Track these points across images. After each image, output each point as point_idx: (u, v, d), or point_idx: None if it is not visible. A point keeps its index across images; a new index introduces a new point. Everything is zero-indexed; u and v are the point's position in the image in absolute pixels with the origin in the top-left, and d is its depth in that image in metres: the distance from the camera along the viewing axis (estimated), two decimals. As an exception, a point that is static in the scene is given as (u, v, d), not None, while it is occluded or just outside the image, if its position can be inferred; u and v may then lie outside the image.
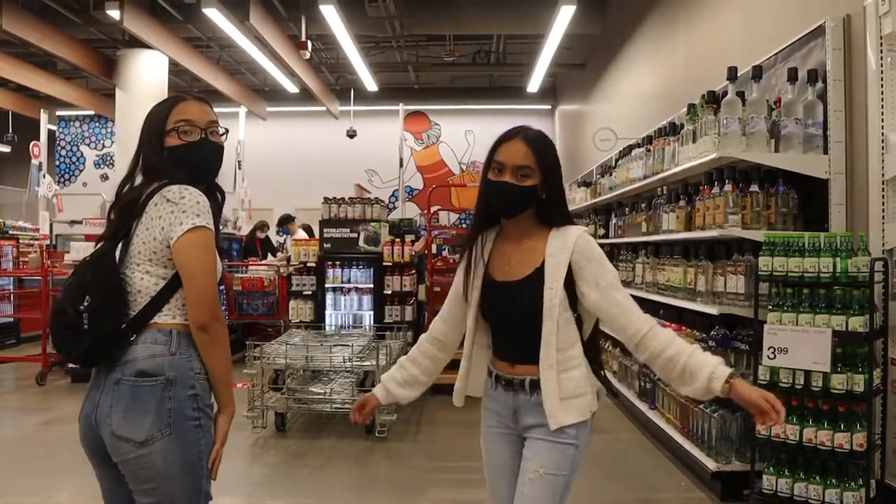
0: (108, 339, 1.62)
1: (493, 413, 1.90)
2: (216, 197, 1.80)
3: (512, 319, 1.81)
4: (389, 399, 1.97)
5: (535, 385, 1.77)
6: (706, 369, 1.62)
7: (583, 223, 6.56)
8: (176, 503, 1.62)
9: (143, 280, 1.67)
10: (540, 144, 1.78)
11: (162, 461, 1.59)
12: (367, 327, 5.94)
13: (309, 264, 6.29)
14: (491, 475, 1.93)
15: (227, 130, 1.87)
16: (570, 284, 1.76)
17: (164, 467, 1.59)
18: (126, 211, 1.71)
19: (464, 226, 13.43)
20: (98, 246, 1.73)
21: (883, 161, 3.04)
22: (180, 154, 1.73)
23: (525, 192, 1.76)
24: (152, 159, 1.74)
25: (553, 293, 1.73)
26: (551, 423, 1.74)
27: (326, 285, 6.15)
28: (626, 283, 4.97)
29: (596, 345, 1.92)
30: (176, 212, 1.63)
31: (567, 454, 1.76)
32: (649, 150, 4.77)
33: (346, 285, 6.18)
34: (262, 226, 9.72)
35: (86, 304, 1.61)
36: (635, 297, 5.25)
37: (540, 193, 1.78)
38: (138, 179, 1.77)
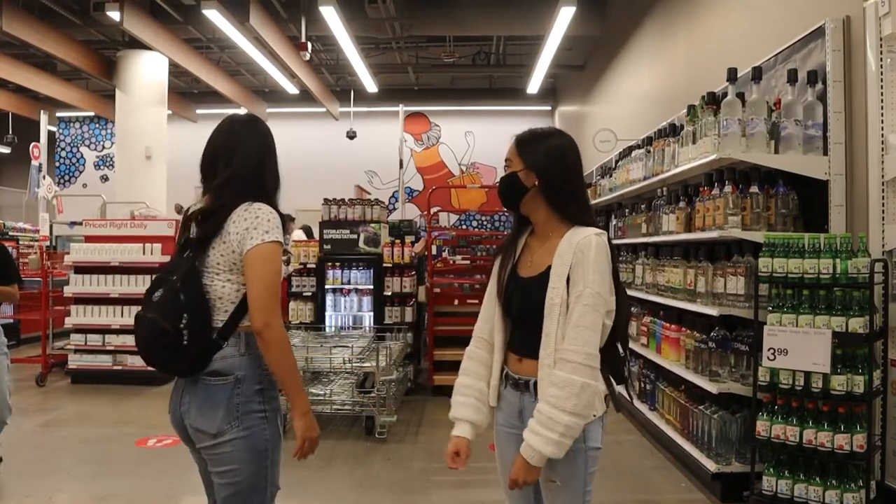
0: (205, 349, 1.82)
1: (502, 412, 1.93)
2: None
3: (522, 313, 1.86)
4: (478, 431, 1.91)
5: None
6: (526, 432, 1.73)
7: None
8: (242, 485, 1.83)
9: (225, 287, 1.86)
10: (523, 137, 1.91)
11: (232, 450, 1.81)
12: (367, 328, 5.94)
13: (309, 265, 6.30)
14: (502, 473, 1.94)
15: None
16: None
17: (235, 455, 1.81)
18: (208, 222, 1.87)
19: (464, 227, 13.44)
20: (175, 257, 1.92)
21: (883, 162, 3.04)
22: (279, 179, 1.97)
23: (507, 179, 1.89)
24: (265, 179, 1.92)
25: (555, 292, 1.76)
26: None
27: (326, 286, 6.15)
28: (626, 285, 4.96)
29: (614, 352, 1.89)
30: (250, 228, 1.81)
31: (577, 458, 1.78)
32: (649, 152, 4.77)
33: (346, 286, 6.17)
34: None
35: (184, 321, 1.78)
36: (636, 298, 5.24)
37: (525, 181, 1.85)
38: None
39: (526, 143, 1.89)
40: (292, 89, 11.76)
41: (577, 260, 1.75)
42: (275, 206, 1.89)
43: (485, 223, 13.51)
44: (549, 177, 1.85)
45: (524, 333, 1.87)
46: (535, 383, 1.79)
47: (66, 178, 14.61)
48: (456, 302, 6.23)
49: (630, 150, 5.44)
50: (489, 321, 1.96)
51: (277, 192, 1.95)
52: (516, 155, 1.89)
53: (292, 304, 6.28)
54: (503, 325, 1.92)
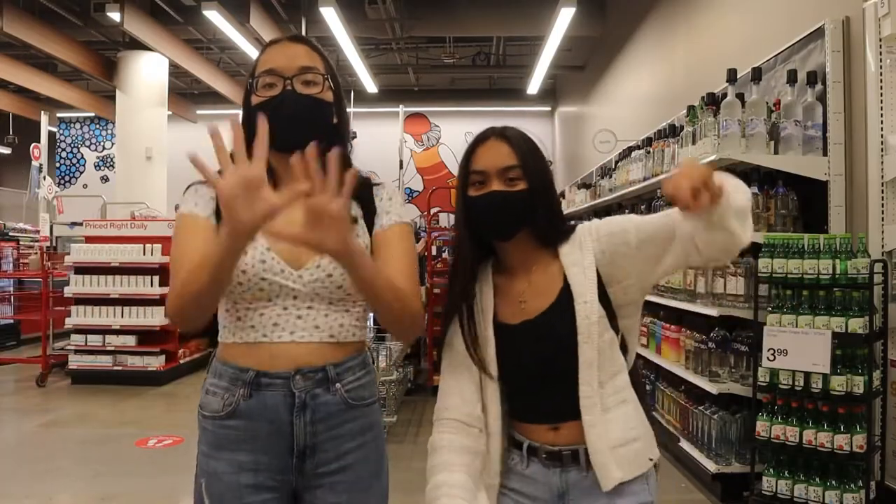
0: None
1: (515, 496, 1.43)
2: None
3: (545, 364, 1.37)
4: None
5: None
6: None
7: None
8: None
9: None
10: (521, 140, 1.38)
11: None
12: (367, 329, 5.94)
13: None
14: None
15: (329, 78, 1.38)
16: (604, 297, 1.36)
17: None
18: None
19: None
20: None
21: (882, 163, 3.04)
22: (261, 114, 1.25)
23: (519, 198, 1.34)
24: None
25: (588, 307, 1.33)
26: (604, 483, 1.32)
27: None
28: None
29: (639, 377, 1.48)
30: None
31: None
32: (649, 152, 4.77)
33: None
34: None
35: None
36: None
37: (534, 201, 1.36)
38: None
39: (525, 148, 1.37)
40: (292, 90, 11.77)
41: (606, 236, 1.38)
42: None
43: (485, 224, 13.52)
44: (547, 192, 1.40)
45: (554, 390, 1.38)
46: (587, 451, 1.34)
47: (67, 178, 14.63)
48: (456, 302, 6.21)
49: (630, 150, 5.44)
50: (461, 394, 1.44)
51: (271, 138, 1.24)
52: (519, 163, 1.35)
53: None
54: (498, 393, 1.41)
